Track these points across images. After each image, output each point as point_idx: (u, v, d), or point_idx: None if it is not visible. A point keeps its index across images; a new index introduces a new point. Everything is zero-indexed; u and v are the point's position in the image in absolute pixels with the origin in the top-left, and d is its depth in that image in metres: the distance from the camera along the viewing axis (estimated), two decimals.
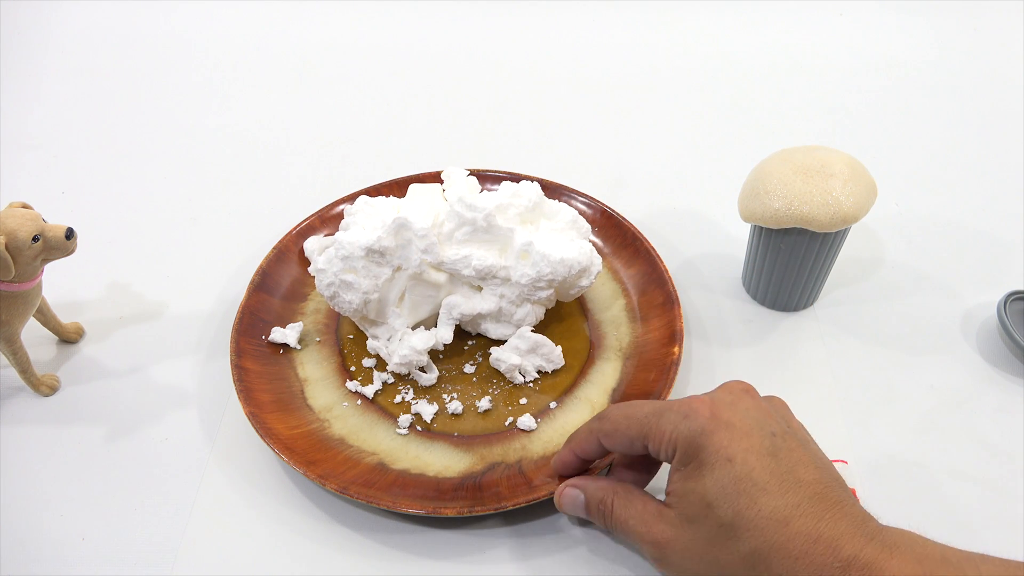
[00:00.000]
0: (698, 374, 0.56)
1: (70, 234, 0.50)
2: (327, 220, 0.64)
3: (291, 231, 0.63)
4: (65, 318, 0.59)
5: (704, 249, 0.66)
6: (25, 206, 0.50)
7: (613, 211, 0.64)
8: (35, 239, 0.48)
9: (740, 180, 0.58)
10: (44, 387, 0.55)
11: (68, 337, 0.58)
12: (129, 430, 0.53)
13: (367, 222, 0.56)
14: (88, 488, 0.50)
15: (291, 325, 0.57)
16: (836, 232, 0.53)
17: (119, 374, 0.56)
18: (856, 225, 0.64)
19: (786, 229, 0.54)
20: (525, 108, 0.83)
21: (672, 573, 0.40)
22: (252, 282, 0.59)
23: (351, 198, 0.66)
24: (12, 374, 0.55)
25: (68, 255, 0.51)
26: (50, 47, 0.91)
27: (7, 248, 0.48)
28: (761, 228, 0.56)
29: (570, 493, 0.44)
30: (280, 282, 0.60)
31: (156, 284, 0.63)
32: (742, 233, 0.64)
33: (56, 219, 0.54)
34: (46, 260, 0.50)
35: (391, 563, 0.46)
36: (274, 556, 0.46)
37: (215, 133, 0.80)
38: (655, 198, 0.71)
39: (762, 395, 0.42)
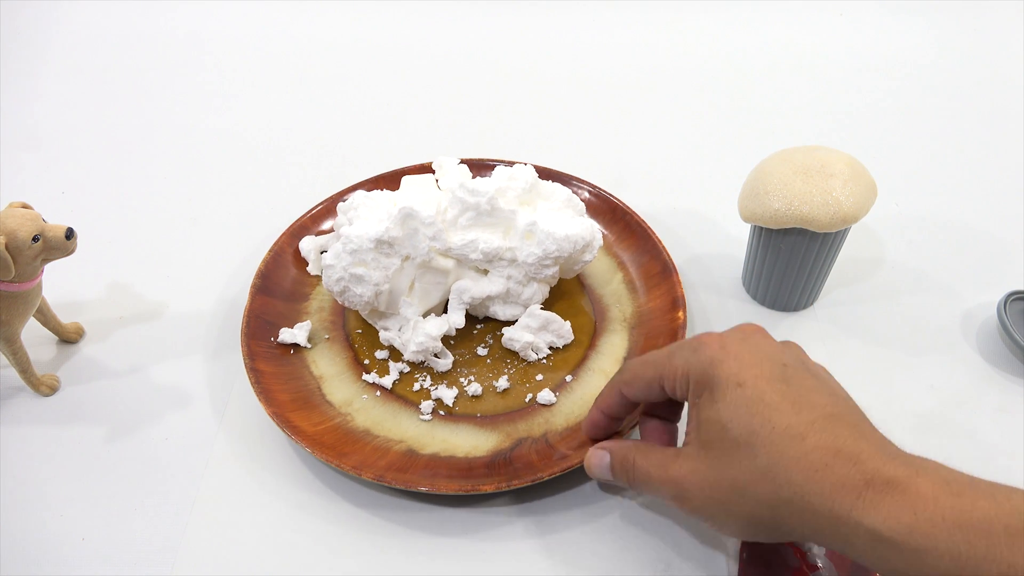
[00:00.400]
0: None
1: (70, 234, 0.50)
2: (318, 219, 0.65)
3: (284, 232, 0.63)
4: (65, 318, 0.59)
5: (704, 249, 0.66)
6: (25, 206, 0.50)
7: (601, 189, 0.66)
8: (35, 239, 0.49)
9: (740, 180, 0.58)
10: (44, 387, 0.55)
11: (68, 337, 0.58)
12: (129, 430, 0.53)
13: (369, 215, 0.56)
14: (88, 488, 0.50)
15: (299, 325, 0.57)
16: (836, 232, 0.53)
17: (119, 374, 0.56)
18: (856, 225, 0.64)
19: (786, 229, 0.54)
20: (524, 108, 0.83)
21: (693, 509, 0.39)
22: (253, 285, 0.59)
23: (341, 195, 0.66)
24: (12, 374, 0.55)
25: (68, 255, 0.51)
26: (50, 47, 0.91)
27: (7, 248, 0.48)
28: (761, 228, 0.56)
29: (597, 454, 0.45)
30: (280, 284, 0.60)
31: (156, 284, 0.63)
32: (742, 233, 0.64)
33: (56, 219, 0.54)
34: (46, 260, 0.50)
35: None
36: (275, 555, 0.46)
37: (215, 133, 0.80)
38: (655, 198, 0.71)
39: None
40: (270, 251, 0.61)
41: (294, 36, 0.92)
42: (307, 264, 0.62)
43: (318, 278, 0.61)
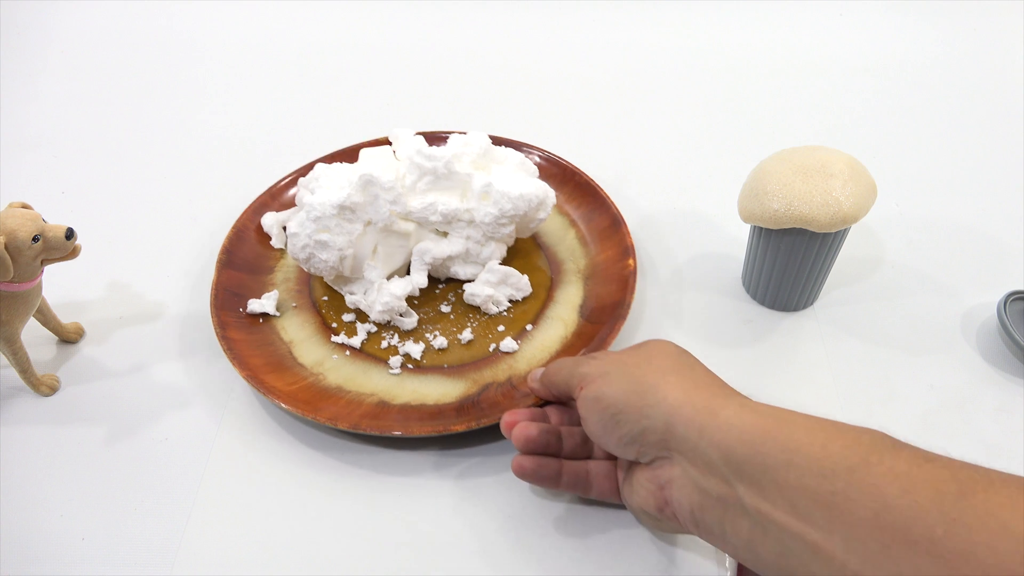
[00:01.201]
0: None
1: (70, 234, 0.50)
2: (276, 194, 0.67)
3: (246, 209, 0.65)
4: (65, 318, 0.59)
5: (704, 249, 0.66)
6: (25, 206, 0.50)
7: (550, 153, 0.70)
8: (35, 239, 0.49)
9: (740, 180, 0.58)
10: (44, 387, 0.55)
11: (68, 337, 0.58)
12: (129, 430, 0.53)
13: (330, 184, 0.58)
14: (88, 488, 0.50)
15: (266, 295, 0.59)
16: (836, 232, 0.53)
17: (119, 374, 0.57)
18: (856, 225, 0.64)
19: (786, 229, 0.54)
20: (525, 108, 0.83)
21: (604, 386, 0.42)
22: (219, 260, 0.61)
23: (301, 172, 0.68)
24: (12, 374, 0.55)
25: (68, 255, 0.51)
26: (50, 47, 0.91)
27: (7, 248, 0.48)
28: (761, 228, 0.56)
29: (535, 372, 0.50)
30: (245, 258, 0.62)
31: (156, 284, 0.63)
32: (742, 233, 0.64)
33: (56, 219, 0.54)
34: (46, 260, 0.50)
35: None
36: (275, 555, 0.46)
37: (214, 133, 0.80)
38: (655, 198, 0.71)
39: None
40: (233, 228, 0.63)
41: (295, 38, 0.92)
42: (270, 239, 0.64)
43: (281, 251, 0.64)
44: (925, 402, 0.54)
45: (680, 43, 0.91)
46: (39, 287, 0.52)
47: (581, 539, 0.47)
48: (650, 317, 0.60)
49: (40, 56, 0.89)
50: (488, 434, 0.52)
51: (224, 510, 0.48)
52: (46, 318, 0.56)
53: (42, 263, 0.50)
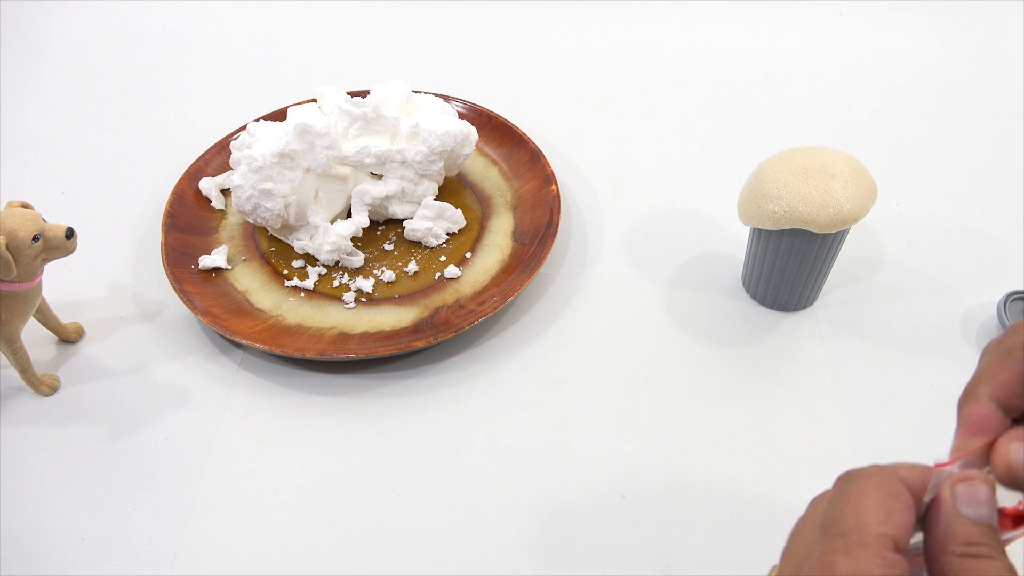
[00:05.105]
0: (697, 374, 0.56)
1: (70, 234, 0.50)
2: (210, 160, 0.70)
3: (183, 175, 0.68)
4: (65, 318, 0.59)
5: (704, 249, 0.66)
6: (25, 206, 0.50)
7: (466, 101, 0.74)
8: (35, 239, 0.49)
9: (740, 181, 0.58)
10: (44, 387, 0.55)
11: (68, 337, 0.58)
12: (129, 430, 0.53)
13: (266, 138, 0.61)
14: (88, 488, 0.50)
15: (216, 250, 0.62)
16: (836, 232, 0.53)
17: (119, 374, 0.57)
18: (856, 225, 0.63)
19: (786, 230, 0.54)
20: (525, 108, 0.83)
21: None
22: (164, 224, 0.63)
23: (231, 136, 0.71)
24: (12, 374, 0.55)
25: (68, 255, 0.51)
26: (50, 47, 0.91)
27: (7, 248, 0.48)
28: (761, 228, 0.56)
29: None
30: (188, 221, 0.65)
31: (156, 284, 0.63)
32: (742, 233, 0.64)
33: (56, 219, 0.54)
34: (46, 260, 0.50)
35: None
36: (275, 555, 0.46)
37: (215, 132, 0.80)
38: (655, 198, 0.71)
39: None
40: (173, 193, 0.66)
41: (300, 39, 0.92)
42: (210, 202, 0.67)
43: (222, 212, 0.67)
44: (925, 402, 0.54)
45: (679, 43, 0.91)
46: (39, 287, 0.52)
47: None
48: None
49: (40, 56, 0.89)
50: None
51: (224, 510, 0.49)
52: (46, 318, 0.56)
53: (42, 262, 0.50)
